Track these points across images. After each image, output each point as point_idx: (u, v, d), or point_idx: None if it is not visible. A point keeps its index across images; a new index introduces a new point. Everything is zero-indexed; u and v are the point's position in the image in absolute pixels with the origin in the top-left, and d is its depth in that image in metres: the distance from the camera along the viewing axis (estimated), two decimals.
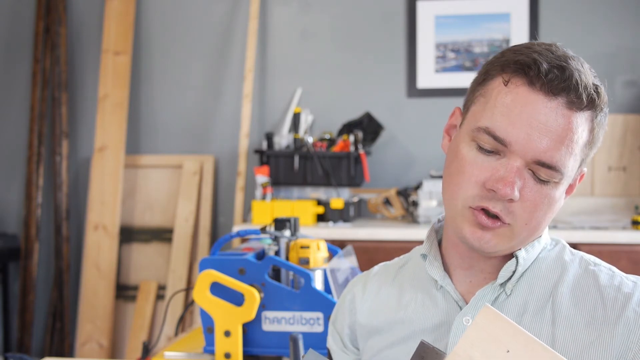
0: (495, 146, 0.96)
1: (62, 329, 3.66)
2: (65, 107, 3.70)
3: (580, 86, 0.94)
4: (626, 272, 1.06)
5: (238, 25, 3.67)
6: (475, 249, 1.01)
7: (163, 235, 3.68)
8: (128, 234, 3.71)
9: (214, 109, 3.71)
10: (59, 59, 3.68)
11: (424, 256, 1.10)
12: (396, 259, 1.21)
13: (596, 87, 0.97)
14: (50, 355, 3.64)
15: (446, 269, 1.09)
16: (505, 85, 0.97)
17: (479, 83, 1.02)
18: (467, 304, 1.05)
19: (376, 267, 1.22)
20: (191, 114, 3.73)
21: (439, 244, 1.12)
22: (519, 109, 0.95)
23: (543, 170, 0.96)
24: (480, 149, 0.98)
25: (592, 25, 3.39)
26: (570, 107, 0.95)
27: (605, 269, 1.04)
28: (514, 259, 1.02)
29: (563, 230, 2.96)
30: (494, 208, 0.97)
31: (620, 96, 3.38)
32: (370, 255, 2.91)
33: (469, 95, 1.04)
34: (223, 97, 3.69)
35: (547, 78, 0.94)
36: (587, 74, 0.96)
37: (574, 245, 2.84)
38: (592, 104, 0.96)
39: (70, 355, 3.62)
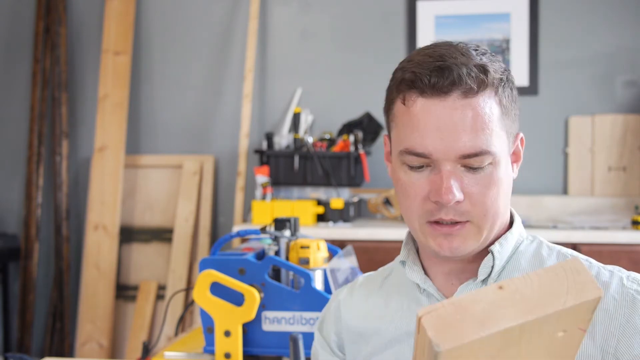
0: (421, 161, 1.00)
1: (62, 329, 3.66)
2: (65, 107, 3.70)
3: (463, 76, 0.97)
4: None
5: (238, 25, 3.67)
6: (450, 257, 1.04)
7: (163, 235, 3.68)
8: (128, 234, 3.71)
9: (214, 109, 3.71)
10: (59, 59, 3.68)
11: (403, 263, 1.12)
12: (380, 270, 1.22)
13: (482, 66, 0.99)
14: (50, 355, 3.64)
15: (427, 273, 1.10)
16: (404, 104, 1.02)
17: (386, 111, 1.07)
18: None
19: (360, 279, 1.23)
20: (191, 114, 3.73)
21: (418, 250, 1.13)
22: (423, 120, 0.99)
23: (472, 160, 0.98)
24: (411, 168, 1.02)
25: (592, 25, 3.39)
26: (466, 95, 0.98)
27: (583, 261, 1.04)
28: (490, 255, 1.04)
29: (563, 230, 2.96)
30: (447, 216, 1.00)
31: (620, 96, 3.38)
32: (370, 255, 2.91)
33: (386, 123, 1.09)
34: (223, 97, 3.69)
35: (431, 84, 0.98)
36: (470, 60, 0.99)
37: (574, 245, 2.84)
38: (484, 84, 0.99)
39: (70, 355, 3.62)
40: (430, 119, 0.98)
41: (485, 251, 1.05)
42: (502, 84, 1.02)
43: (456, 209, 1.00)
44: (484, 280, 1.05)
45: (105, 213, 3.60)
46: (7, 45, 3.87)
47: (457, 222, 1.01)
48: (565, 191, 3.42)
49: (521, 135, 1.08)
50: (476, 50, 1.03)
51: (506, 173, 1.02)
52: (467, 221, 1.01)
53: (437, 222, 1.02)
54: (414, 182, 1.02)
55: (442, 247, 1.02)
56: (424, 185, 1.01)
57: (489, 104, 0.99)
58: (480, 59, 1.00)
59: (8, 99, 3.86)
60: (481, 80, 0.98)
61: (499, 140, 1.00)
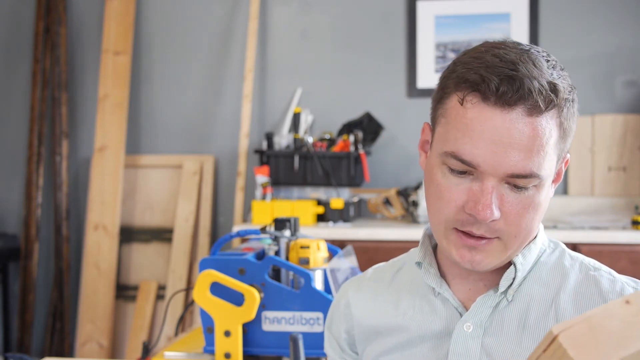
0: (465, 168, 0.94)
1: (62, 329, 3.66)
2: (65, 107, 3.70)
3: (534, 92, 0.91)
4: (626, 273, 1.06)
5: (238, 25, 3.67)
6: (468, 270, 1.01)
7: (163, 235, 3.68)
8: (128, 234, 3.71)
9: (214, 109, 3.71)
10: (59, 59, 3.68)
11: (419, 264, 1.08)
12: (390, 262, 1.19)
13: (553, 85, 0.92)
14: (50, 355, 3.64)
15: (443, 275, 1.07)
16: (462, 105, 0.95)
17: (437, 101, 1.00)
18: (467, 310, 1.04)
19: (369, 271, 1.20)
20: (191, 114, 3.73)
21: (434, 249, 1.10)
22: (479, 128, 0.92)
23: (519, 180, 0.93)
24: (452, 171, 0.96)
25: (592, 25, 3.39)
26: (531, 114, 0.92)
27: (605, 274, 1.03)
28: (512, 267, 1.01)
29: (563, 230, 2.96)
30: (478, 231, 0.96)
31: (620, 96, 3.38)
32: (370, 255, 2.91)
33: (432, 112, 1.02)
34: (223, 97, 3.69)
35: (499, 93, 0.91)
36: (542, 74, 0.92)
37: (574, 246, 2.84)
38: (552, 104, 0.92)
39: (70, 355, 3.62)
40: (487, 129, 0.92)
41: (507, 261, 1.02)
42: (568, 104, 0.95)
43: (489, 226, 0.95)
44: (505, 292, 1.02)
45: (105, 213, 3.60)
46: (7, 45, 3.87)
47: (484, 237, 0.97)
48: (565, 191, 3.42)
49: (568, 156, 1.02)
50: (548, 61, 0.95)
51: (547, 196, 0.98)
52: (496, 237, 0.97)
53: (464, 232, 0.97)
54: (452, 187, 0.96)
55: (463, 259, 0.98)
56: (462, 194, 0.96)
57: (550, 126, 0.93)
58: (551, 74, 0.93)
59: (8, 99, 3.86)
60: (550, 100, 0.92)
61: (550, 163, 0.95)
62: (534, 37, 3.41)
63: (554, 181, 1.01)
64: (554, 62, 0.96)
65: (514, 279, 1.01)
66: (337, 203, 3.19)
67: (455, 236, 0.98)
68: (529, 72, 0.91)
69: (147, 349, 1.77)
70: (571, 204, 3.34)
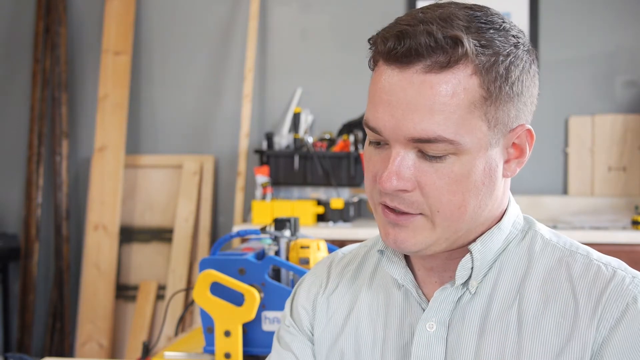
0: (378, 138, 0.88)
1: (62, 329, 3.66)
2: (65, 107, 3.70)
3: (426, 48, 0.83)
4: None
5: (238, 25, 3.67)
6: (399, 251, 0.92)
7: (163, 235, 3.68)
8: (128, 234, 3.71)
9: (214, 109, 3.71)
10: (59, 59, 3.68)
11: (382, 252, 0.98)
12: (361, 246, 1.08)
13: (454, 38, 0.83)
14: (50, 355, 3.64)
15: (411, 267, 0.98)
16: (374, 70, 0.90)
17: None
18: None
19: (339, 254, 1.10)
20: (191, 114, 3.73)
21: None
22: (378, 91, 0.87)
23: (425, 146, 0.85)
24: (371, 143, 0.90)
25: (592, 25, 3.39)
26: (429, 70, 0.84)
27: (581, 257, 0.93)
28: (468, 256, 0.91)
29: (563, 230, 2.96)
30: (392, 202, 0.88)
31: (620, 96, 3.38)
32: None
33: None
34: (223, 97, 3.69)
35: (391, 51, 0.85)
36: (444, 28, 0.83)
37: None
38: (454, 61, 0.83)
39: (70, 355, 3.62)
40: (384, 91, 0.86)
41: (466, 250, 0.93)
42: (492, 62, 0.85)
43: (403, 198, 0.87)
44: (465, 284, 0.93)
45: (105, 213, 3.60)
46: (7, 45, 3.87)
47: (405, 213, 0.88)
48: (565, 191, 3.42)
49: (527, 127, 0.91)
50: (476, 18, 0.86)
51: (483, 169, 0.87)
52: (420, 214, 0.88)
53: (388, 208, 0.89)
54: (370, 158, 0.90)
55: (387, 237, 0.90)
56: (377, 164, 0.89)
57: (460, 84, 0.84)
58: (462, 29, 0.84)
59: (8, 99, 3.86)
60: (447, 52, 0.83)
61: (471, 129, 0.85)
62: (534, 37, 3.41)
63: (514, 157, 0.92)
64: (487, 20, 0.86)
65: (472, 269, 0.91)
66: (337, 203, 3.19)
67: (381, 211, 0.90)
68: (428, 28, 0.83)
69: (147, 349, 1.77)
70: (571, 204, 3.34)
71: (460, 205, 0.87)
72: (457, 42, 0.83)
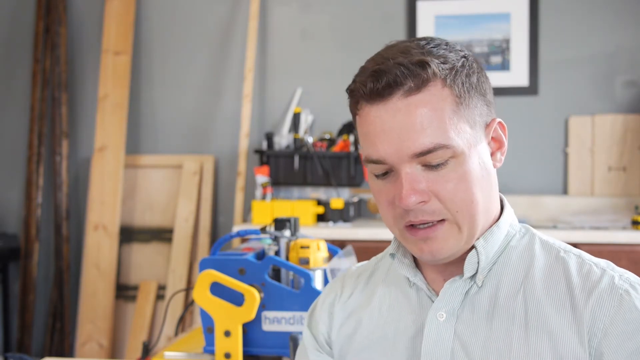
0: (382, 168, 1.00)
1: (62, 329, 3.66)
2: (65, 107, 3.70)
3: (399, 77, 0.96)
4: None
5: (238, 25, 3.67)
6: (434, 262, 1.03)
7: (163, 235, 3.68)
8: (128, 234, 3.71)
9: (214, 109, 3.71)
10: (59, 59, 3.68)
11: (393, 255, 1.10)
12: (373, 259, 1.21)
13: (420, 62, 0.97)
14: (50, 355, 3.64)
15: (418, 266, 1.08)
16: (358, 115, 1.02)
17: (355, 125, 1.07)
18: None
19: (353, 268, 1.23)
20: (191, 114, 3.73)
21: None
22: (372, 127, 0.99)
23: (428, 157, 0.97)
24: (377, 176, 1.02)
25: (592, 25, 3.39)
26: (408, 95, 0.97)
27: (574, 257, 1.04)
28: (474, 251, 1.02)
29: (563, 230, 2.96)
30: (416, 218, 0.99)
31: (620, 96, 3.38)
32: (370, 255, 2.89)
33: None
34: (223, 97, 3.69)
35: (373, 90, 0.97)
36: (407, 57, 0.97)
37: (575, 246, 2.84)
38: (424, 79, 0.96)
39: (70, 355, 3.62)
40: (376, 124, 0.98)
41: (469, 248, 1.03)
42: (454, 73, 0.98)
43: (424, 210, 0.98)
44: (472, 277, 1.03)
45: (105, 213, 3.60)
46: (7, 45, 3.87)
47: (432, 223, 0.99)
48: (565, 191, 3.42)
49: (498, 120, 1.04)
50: (426, 45, 1.00)
51: (479, 164, 0.99)
52: (443, 220, 0.99)
53: (413, 226, 1.00)
54: (381, 190, 1.02)
55: (423, 252, 1.01)
56: (389, 193, 1.00)
57: (437, 98, 0.97)
58: (422, 55, 0.97)
59: (8, 99, 3.86)
60: (419, 76, 0.96)
61: (458, 132, 0.97)
62: (534, 37, 3.41)
63: (496, 149, 1.04)
64: (435, 44, 1.00)
65: (478, 262, 1.02)
66: (337, 203, 3.19)
67: (409, 233, 1.01)
68: (395, 61, 0.97)
69: (147, 349, 1.77)
70: (571, 204, 3.34)
71: (471, 200, 0.99)
72: (424, 65, 0.97)
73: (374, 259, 1.20)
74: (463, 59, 1.00)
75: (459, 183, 0.98)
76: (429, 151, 0.96)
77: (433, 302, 1.05)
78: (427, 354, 1.02)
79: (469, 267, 1.02)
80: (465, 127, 0.98)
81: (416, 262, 1.09)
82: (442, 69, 0.97)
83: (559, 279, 1.01)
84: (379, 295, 1.11)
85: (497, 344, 0.99)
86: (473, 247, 1.02)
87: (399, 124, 0.96)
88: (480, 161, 1.00)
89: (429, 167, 0.97)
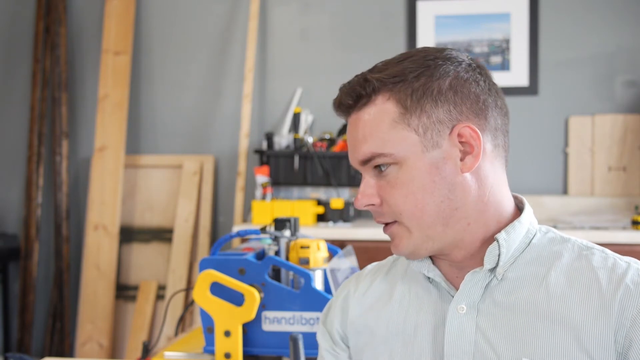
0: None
1: (62, 329, 3.66)
2: (65, 107, 3.70)
3: (345, 96, 1.07)
4: None
5: (238, 25, 3.67)
6: (406, 257, 1.09)
7: (163, 235, 3.68)
8: (128, 234, 3.71)
9: (214, 109, 3.71)
10: (59, 59, 3.68)
11: None
12: (389, 258, 1.23)
13: (361, 79, 1.05)
14: (50, 355, 3.64)
15: (436, 263, 1.11)
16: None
17: None
18: None
19: (369, 266, 1.25)
20: (191, 114, 3.73)
21: None
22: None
23: (372, 163, 1.05)
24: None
25: (592, 25, 3.39)
26: (359, 110, 1.06)
27: (598, 252, 1.06)
28: (495, 243, 1.03)
29: (563, 230, 2.96)
30: (376, 219, 1.08)
31: (620, 96, 3.38)
32: (370, 255, 2.90)
33: None
34: (223, 97, 3.69)
35: (339, 108, 1.09)
36: (356, 77, 1.06)
37: None
38: (369, 95, 1.04)
39: (70, 355, 3.62)
40: (347, 136, 1.10)
41: (491, 240, 1.05)
42: (400, 83, 1.03)
43: (378, 212, 1.07)
44: (492, 270, 1.05)
45: (105, 213, 3.60)
46: (7, 45, 3.87)
47: (387, 223, 1.07)
48: (565, 191, 3.42)
49: (463, 125, 1.02)
50: (401, 58, 1.06)
51: (430, 169, 1.02)
52: (395, 222, 1.06)
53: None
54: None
55: (391, 248, 1.08)
56: None
57: (378, 109, 1.04)
58: (370, 72, 1.05)
59: (8, 99, 3.86)
60: (358, 92, 1.05)
61: (400, 140, 1.02)
62: (534, 37, 3.41)
63: (468, 154, 1.03)
64: (407, 56, 1.06)
65: (499, 255, 1.03)
66: (337, 203, 3.19)
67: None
68: (353, 80, 1.07)
69: (147, 349, 1.77)
70: (571, 204, 3.34)
71: (416, 204, 1.03)
72: (364, 80, 1.05)
73: (390, 257, 1.23)
74: (424, 69, 1.03)
75: (401, 188, 1.03)
76: (368, 159, 1.04)
77: (452, 295, 1.07)
78: (450, 346, 1.04)
79: (489, 258, 1.03)
80: (409, 134, 1.02)
81: (432, 259, 1.11)
82: (387, 82, 1.03)
83: (584, 272, 1.03)
84: (399, 290, 1.14)
85: (522, 336, 1.00)
86: (494, 239, 1.04)
87: (352, 136, 1.07)
88: (432, 167, 1.02)
89: (379, 173, 1.05)
